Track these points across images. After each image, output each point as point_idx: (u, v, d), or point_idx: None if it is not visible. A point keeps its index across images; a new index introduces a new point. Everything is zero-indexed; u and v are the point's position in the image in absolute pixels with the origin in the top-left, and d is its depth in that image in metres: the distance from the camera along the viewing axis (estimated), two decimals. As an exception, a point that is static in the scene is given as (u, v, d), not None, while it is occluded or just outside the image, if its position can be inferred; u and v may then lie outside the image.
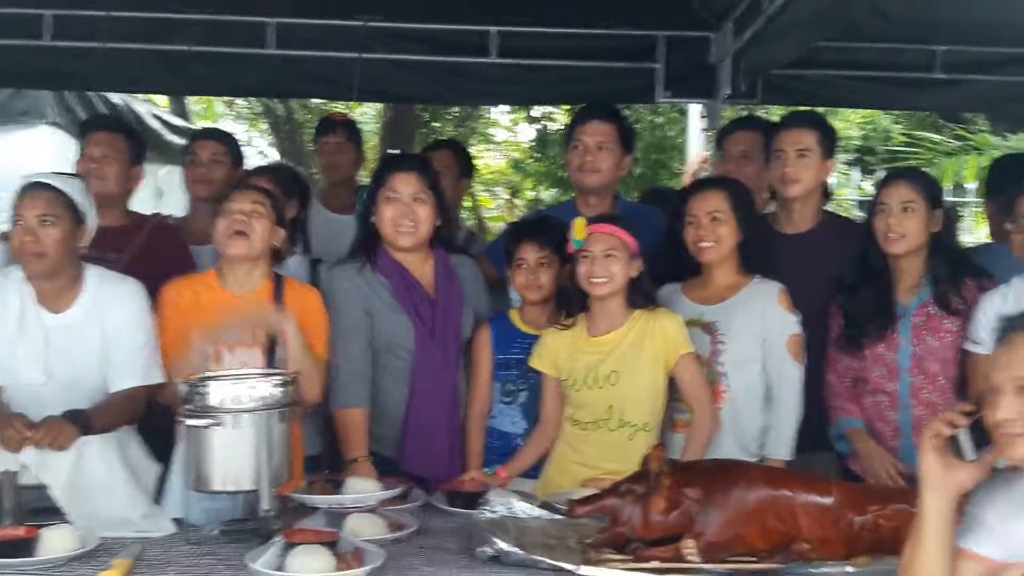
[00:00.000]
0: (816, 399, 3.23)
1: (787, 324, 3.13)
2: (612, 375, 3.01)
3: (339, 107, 12.51)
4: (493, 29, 4.85)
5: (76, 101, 6.19)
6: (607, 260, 2.98)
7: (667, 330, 3.02)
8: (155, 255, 3.37)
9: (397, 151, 7.10)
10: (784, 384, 3.13)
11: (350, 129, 4.65)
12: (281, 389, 2.54)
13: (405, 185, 3.19)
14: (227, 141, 4.14)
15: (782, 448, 3.12)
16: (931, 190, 3.18)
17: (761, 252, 3.20)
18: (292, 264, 3.34)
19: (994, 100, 5.50)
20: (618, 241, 3.00)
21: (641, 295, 3.05)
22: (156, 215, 3.93)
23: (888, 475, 3.10)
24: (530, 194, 12.93)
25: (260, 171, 3.78)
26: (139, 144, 3.77)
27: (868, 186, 8.90)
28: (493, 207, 13.50)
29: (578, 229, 3.03)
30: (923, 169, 4.79)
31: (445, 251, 3.32)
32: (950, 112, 9.25)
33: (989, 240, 4.01)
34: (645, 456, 2.39)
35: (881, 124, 10.96)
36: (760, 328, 3.12)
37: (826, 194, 3.72)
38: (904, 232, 3.10)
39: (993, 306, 2.94)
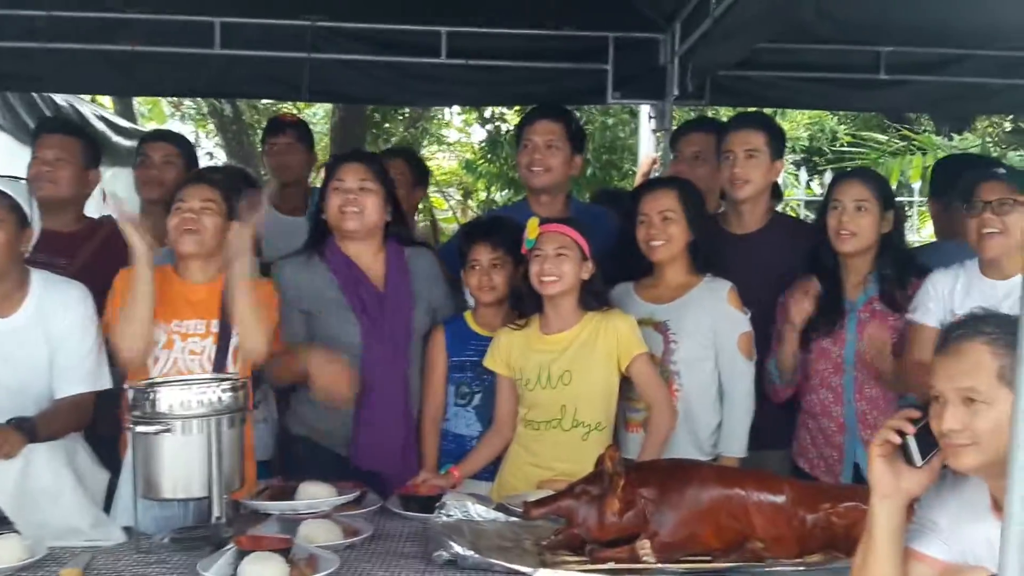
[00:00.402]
0: (765, 399, 3.26)
1: (737, 322, 3.16)
2: (565, 375, 3.01)
3: (288, 108, 12.51)
4: (443, 29, 4.83)
5: (19, 103, 6.06)
6: (558, 259, 2.99)
7: (620, 330, 3.03)
8: (108, 261, 3.31)
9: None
10: (736, 381, 3.16)
11: (300, 130, 4.61)
12: (231, 394, 2.51)
13: (350, 174, 3.19)
14: (179, 143, 4.10)
15: (735, 445, 3.15)
16: (884, 191, 3.23)
17: (712, 251, 3.23)
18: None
19: (937, 100, 5.61)
20: (570, 240, 3.01)
21: (593, 297, 3.06)
22: (109, 218, 3.86)
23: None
24: (483, 195, 12.92)
25: (210, 171, 3.73)
26: (94, 148, 3.71)
27: (816, 186, 9.00)
28: (446, 208, 13.48)
29: (531, 229, 3.05)
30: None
31: (400, 245, 3.30)
32: (895, 112, 9.42)
33: (933, 239, 4.08)
34: (600, 456, 2.39)
35: (827, 125, 11.10)
36: (711, 326, 3.15)
37: (776, 195, 3.76)
38: (856, 230, 3.13)
39: (944, 283, 2.99)
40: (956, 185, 3.23)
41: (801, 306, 3.14)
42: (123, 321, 2.79)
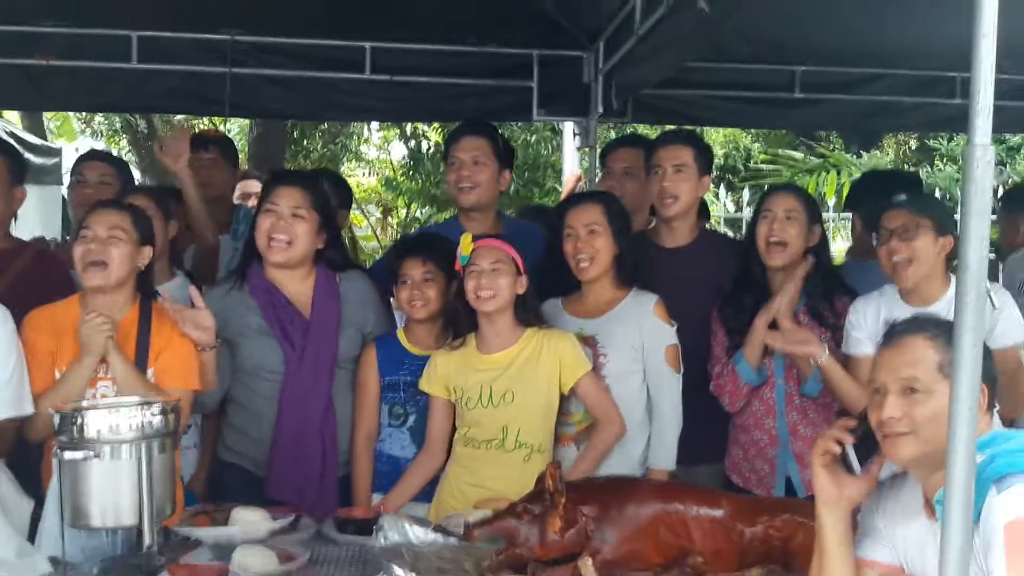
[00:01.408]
0: (699, 411, 3.29)
1: (664, 334, 3.18)
2: (508, 393, 3.00)
3: (204, 123, 12.30)
4: (367, 45, 4.82)
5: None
6: (493, 274, 2.98)
7: (563, 352, 3.02)
8: (35, 281, 3.21)
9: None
10: (664, 393, 3.18)
11: (224, 145, 4.54)
12: (161, 418, 2.44)
13: (285, 199, 3.14)
14: (115, 163, 4.06)
15: (665, 457, 3.17)
16: (811, 205, 3.29)
17: (639, 265, 3.25)
18: (174, 286, 3.23)
19: (850, 118, 5.79)
20: (504, 255, 3.01)
21: (529, 311, 3.06)
22: (39, 239, 3.76)
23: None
24: (403, 212, 12.87)
25: (137, 190, 3.65)
26: (20, 164, 3.59)
27: (731, 204, 9.16)
28: (365, 226, 13.38)
29: (465, 245, 3.03)
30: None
31: (331, 270, 3.26)
32: (809, 130, 9.66)
33: (842, 253, 4.19)
34: (541, 474, 2.38)
35: (742, 143, 11.32)
36: (639, 339, 3.16)
37: (704, 215, 3.82)
38: (786, 239, 3.18)
39: (868, 310, 3.05)
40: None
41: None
42: (56, 393, 2.73)
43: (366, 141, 14.13)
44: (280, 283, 3.19)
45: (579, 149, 5.27)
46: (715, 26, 3.30)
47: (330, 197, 3.44)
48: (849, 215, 8.65)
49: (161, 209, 3.39)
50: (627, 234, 3.24)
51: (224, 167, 4.44)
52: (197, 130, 5.47)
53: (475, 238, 3.07)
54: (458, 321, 3.10)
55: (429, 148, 11.13)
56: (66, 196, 4.07)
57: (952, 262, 2.99)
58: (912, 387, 1.93)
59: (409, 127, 11.38)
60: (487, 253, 3.01)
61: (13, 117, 9.20)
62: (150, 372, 2.86)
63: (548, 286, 3.25)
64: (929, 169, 10.20)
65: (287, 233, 3.12)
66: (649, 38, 3.98)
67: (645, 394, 3.19)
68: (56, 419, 2.40)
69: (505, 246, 3.03)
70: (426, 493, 3.12)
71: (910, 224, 2.93)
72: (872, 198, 3.84)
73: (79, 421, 2.36)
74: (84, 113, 10.90)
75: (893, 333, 2.03)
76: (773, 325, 3.16)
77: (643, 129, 9.66)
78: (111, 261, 2.82)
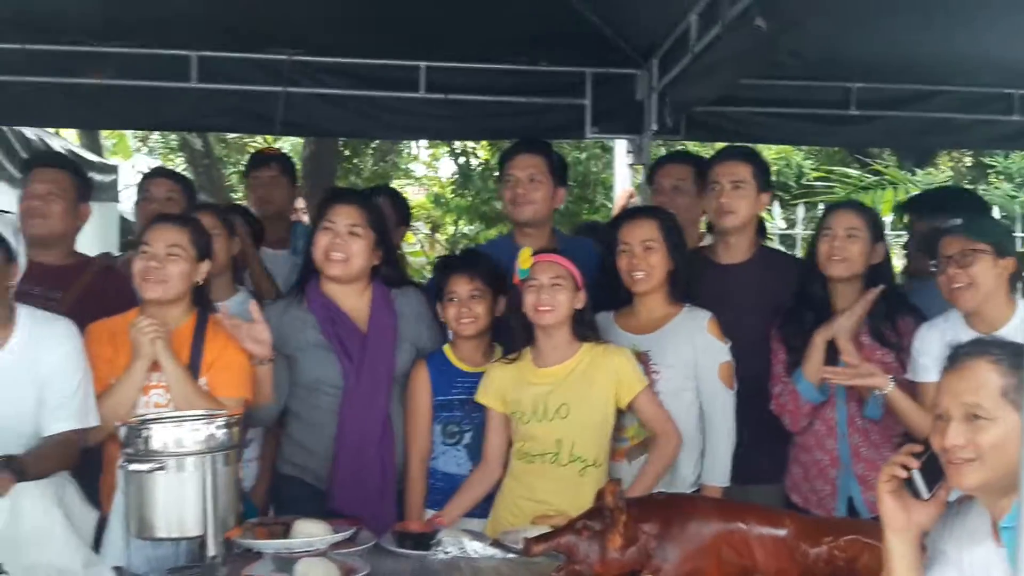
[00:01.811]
0: (757, 430, 3.27)
1: (718, 352, 3.17)
2: (562, 407, 3.00)
3: (258, 141, 12.48)
4: (422, 64, 4.86)
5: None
6: (553, 289, 2.99)
7: (620, 367, 3.02)
8: (100, 297, 3.28)
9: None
10: (717, 410, 3.17)
11: (284, 163, 4.61)
12: (225, 431, 2.47)
13: (342, 216, 3.18)
14: (181, 180, 4.15)
15: (718, 474, 3.15)
16: (875, 222, 3.25)
17: (692, 281, 3.24)
18: (235, 303, 3.28)
19: (904, 135, 5.74)
20: (564, 271, 3.02)
21: (586, 326, 3.06)
22: (104, 255, 3.84)
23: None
24: (451, 229, 12.92)
25: (202, 207, 3.71)
26: (85, 182, 3.69)
27: (781, 221, 9.08)
28: (413, 242, 13.44)
29: (524, 259, 3.04)
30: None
31: (386, 286, 3.29)
32: (863, 147, 9.55)
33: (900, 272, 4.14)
34: (600, 491, 2.38)
35: (793, 160, 11.22)
36: (692, 356, 3.15)
37: (762, 232, 3.79)
38: (846, 256, 3.15)
39: (932, 336, 3.00)
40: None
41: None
42: (110, 398, 2.80)
43: (415, 158, 14.22)
44: (337, 298, 3.22)
45: (631, 166, 5.27)
46: (773, 44, 3.29)
47: (385, 215, 3.47)
48: (904, 234, 8.58)
49: (225, 226, 3.45)
50: (682, 250, 3.24)
51: (284, 184, 4.51)
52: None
53: (535, 252, 3.08)
54: (512, 335, 3.11)
55: (478, 165, 11.16)
56: (122, 212, 4.16)
57: (1016, 283, 2.95)
58: (975, 413, 1.91)
59: (458, 144, 11.43)
60: (547, 268, 3.01)
61: (70, 135, 9.39)
62: (202, 381, 2.90)
63: (600, 300, 3.25)
64: (985, 186, 10.05)
65: (343, 250, 3.16)
66: (705, 56, 3.98)
67: (696, 411, 3.18)
68: (122, 432, 2.44)
69: (565, 261, 3.04)
70: (480, 509, 3.12)
71: (967, 249, 2.89)
72: (927, 217, 3.80)
73: (145, 434, 2.40)
74: (141, 131, 11.10)
75: (956, 356, 2.01)
76: (832, 343, 3.13)
77: (694, 147, 9.67)
78: (169, 279, 2.90)
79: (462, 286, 3.22)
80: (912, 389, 3.03)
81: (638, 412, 3.06)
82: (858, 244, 3.16)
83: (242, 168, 13.06)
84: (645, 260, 3.16)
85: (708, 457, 3.17)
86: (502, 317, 3.26)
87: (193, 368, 2.91)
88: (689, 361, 3.16)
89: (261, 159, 4.59)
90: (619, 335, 3.21)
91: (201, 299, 3.04)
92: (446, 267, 3.35)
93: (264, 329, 2.99)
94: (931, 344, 2.96)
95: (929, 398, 2.81)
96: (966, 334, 2.82)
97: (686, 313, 3.21)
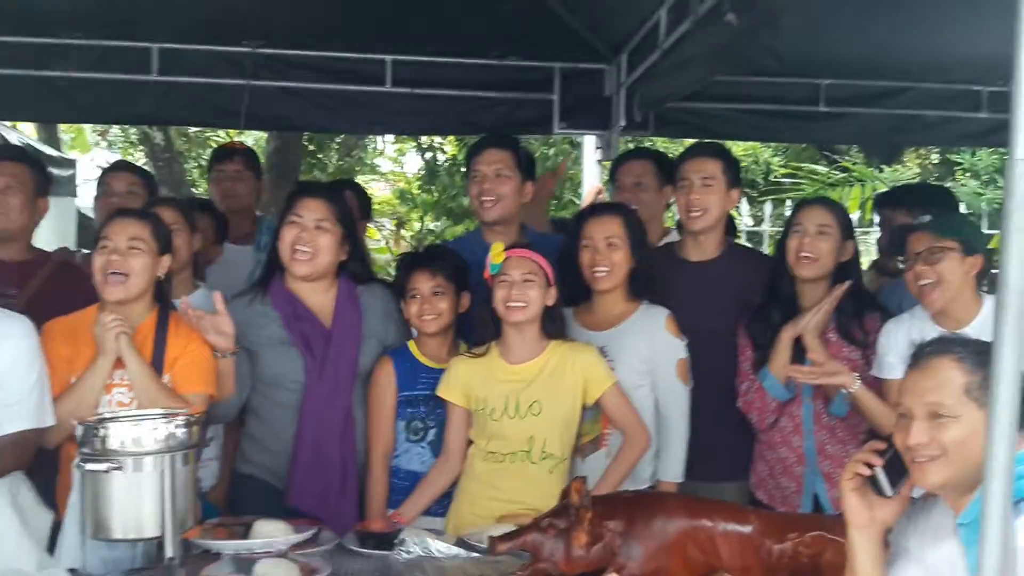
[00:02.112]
0: (724, 428, 3.29)
1: (675, 348, 3.20)
2: (535, 404, 3.00)
3: (221, 136, 12.38)
4: (388, 58, 4.85)
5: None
6: (525, 285, 2.99)
7: (588, 365, 3.03)
8: (57, 293, 3.24)
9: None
10: (673, 406, 3.20)
11: (249, 157, 4.58)
12: (184, 430, 2.44)
13: (309, 211, 3.16)
14: (142, 174, 4.09)
15: (673, 469, 3.18)
16: (844, 220, 3.27)
17: (652, 279, 3.25)
18: (195, 299, 3.25)
19: (874, 132, 5.75)
20: (536, 266, 3.02)
21: (556, 324, 3.07)
22: (62, 250, 3.79)
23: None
24: (416, 225, 12.89)
25: (163, 201, 3.67)
26: (44, 175, 3.62)
27: (749, 218, 9.15)
28: (378, 239, 13.40)
29: (496, 254, 3.03)
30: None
31: (352, 282, 3.27)
32: (833, 144, 9.64)
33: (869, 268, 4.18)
34: (565, 489, 2.38)
35: (761, 156, 11.30)
36: (649, 352, 3.18)
37: (731, 231, 3.81)
38: (817, 255, 3.16)
39: (898, 332, 3.03)
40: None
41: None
42: (71, 397, 2.76)
43: (380, 153, 14.18)
44: (302, 294, 3.21)
45: (600, 162, 5.28)
46: (746, 41, 3.29)
47: (352, 209, 3.46)
48: (871, 230, 8.66)
49: (187, 221, 3.42)
50: (643, 248, 3.26)
51: (248, 179, 4.48)
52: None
53: (507, 247, 3.07)
54: (481, 329, 3.10)
55: (445, 160, 11.15)
56: (80, 207, 4.10)
57: (983, 281, 2.98)
58: (938, 412, 1.93)
59: (425, 139, 11.41)
60: (519, 263, 3.01)
61: (27, 128, 9.28)
62: (166, 378, 2.88)
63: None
64: (952, 183, 10.16)
65: (311, 245, 3.14)
66: (674, 52, 3.99)
67: (652, 408, 3.20)
68: (79, 430, 2.40)
69: (537, 257, 3.04)
70: (439, 506, 3.12)
71: (935, 247, 2.91)
72: (899, 212, 3.83)
73: (102, 432, 2.36)
74: (100, 125, 10.98)
75: (919, 355, 2.03)
76: (799, 341, 3.15)
77: (663, 143, 9.69)
78: (131, 273, 2.86)
79: (424, 282, 3.22)
80: (877, 386, 3.06)
81: (607, 409, 3.07)
82: (828, 241, 3.18)
83: (204, 163, 13.04)
84: (608, 257, 3.17)
85: (663, 453, 3.20)
86: (466, 313, 3.26)
87: (156, 365, 2.88)
88: (646, 357, 3.18)
89: (225, 153, 4.55)
90: (577, 331, 3.22)
91: (163, 295, 3.01)
92: (409, 264, 3.34)
93: (227, 321, 2.97)
94: (897, 341, 2.99)
95: (894, 395, 2.81)
96: (932, 331, 2.84)
97: (644, 310, 3.23)
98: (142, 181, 3.98)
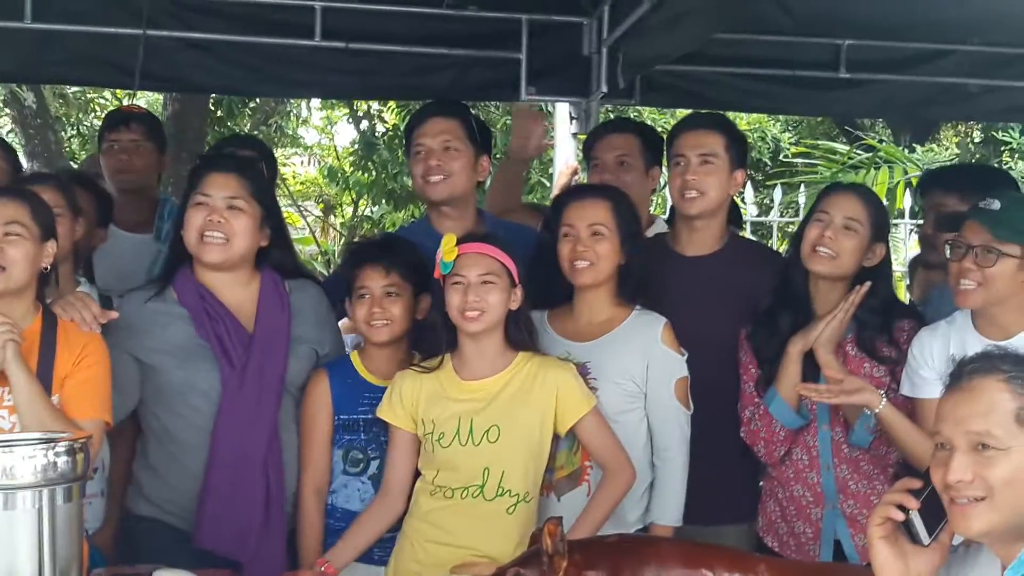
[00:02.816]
0: (725, 459, 3.34)
1: (674, 365, 3.22)
2: (492, 430, 3.00)
3: (105, 97, 12.25)
4: (318, 4, 4.82)
5: None
6: (483, 288, 2.99)
7: (562, 384, 3.04)
8: None
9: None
10: (672, 435, 3.22)
11: (149, 124, 4.57)
12: (67, 458, 2.43)
13: (219, 188, 3.17)
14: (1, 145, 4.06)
15: (671, 511, 3.21)
16: (880, 218, 3.28)
17: (651, 276, 3.28)
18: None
19: (903, 104, 5.82)
20: (497, 265, 3.02)
21: (522, 331, 3.08)
22: None
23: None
24: (349, 211, 12.87)
25: (41, 179, 3.64)
26: None
27: (754, 207, 9.22)
28: (301, 226, 13.37)
29: (447, 249, 3.02)
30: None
31: (279, 276, 3.27)
32: (855, 117, 9.72)
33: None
34: (536, 532, 2.40)
35: (769, 132, 11.41)
36: (642, 370, 3.20)
37: (736, 220, 3.83)
38: (837, 251, 3.18)
39: (934, 342, 3.06)
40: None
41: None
42: None
43: (305, 122, 14.15)
44: (215, 288, 3.21)
45: (575, 135, 5.32)
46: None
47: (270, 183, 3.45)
48: (900, 222, 8.77)
49: (69, 204, 3.40)
50: (636, 241, 3.29)
51: (148, 151, 4.47)
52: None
53: (460, 240, 3.05)
54: (432, 340, 3.11)
55: (385, 132, 11.13)
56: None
57: None
58: (984, 443, 1.95)
59: (361, 106, 11.38)
60: (476, 261, 3.01)
61: None
62: (55, 399, 2.86)
63: (531, 295, 3.26)
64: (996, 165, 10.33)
65: (223, 230, 3.14)
66: (666, 4, 4.02)
67: (644, 437, 3.22)
68: (-63, 459, 2.39)
69: (497, 251, 3.04)
70: (379, 552, 3.13)
71: (992, 246, 2.91)
72: (952, 198, 3.82)
73: (-36, 462, 2.36)
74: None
75: (960, 374, 2.04)
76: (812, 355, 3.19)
77: (649, 114, 9.74)
78: (10, 264, 2.84)
79: (376, 280, 3.22)
80: (909, 407, 3.09)
81: (583, 440, 3.10)
82: (854, 239, 3.19)
83: (84, 131, 12.92)
84: (592, 248, 3.19)
85: (659, 492, 3.22)
86: (423, 320, 3.26)
87: (43, 381, 2.85)
88: (639, 376, 3.20)
89: (119, 118, 4.53)
90: (552, 340, 3.24)
91: (44, 295, 3.00)
92: (358, 256, 3.36)
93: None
94: (932, 353, 3.03)
95: (929, 419, 2.84)
96: (974, 341, 2.89)
97: (636, 317, 3.25)
98: (2, 152, 3.95)
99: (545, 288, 3.26)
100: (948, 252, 3.03)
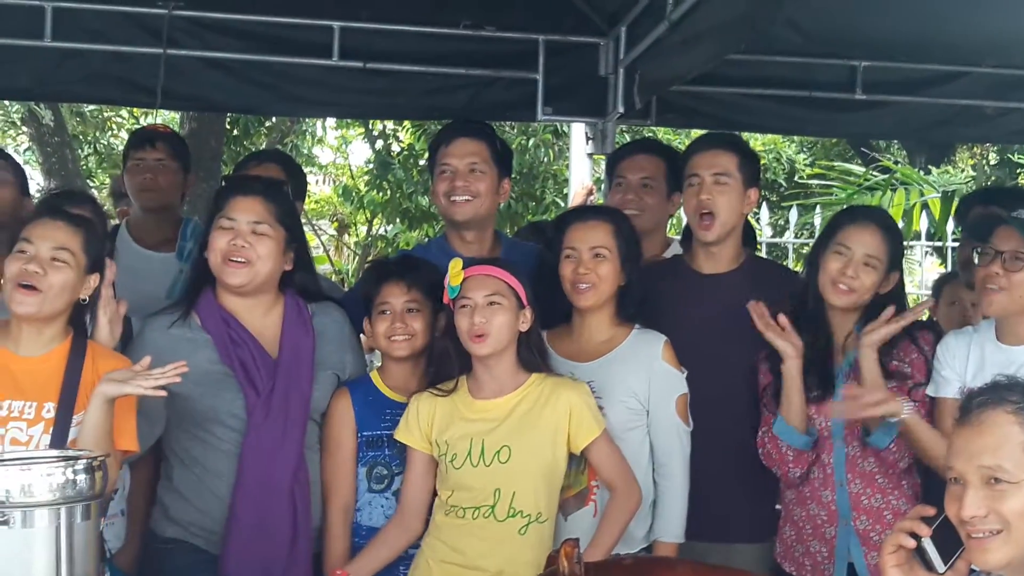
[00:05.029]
0: (740, 479, 3.34)
1: (675, 383, 3.25)
2: (503, 450, 3.01)
3: (122, 116, 12.32)
4: (336, 24, 4.85)
5: None
6: (490, 310, 3.01)
7: (574, 405, 3.04)
8: None
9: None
10: (675, 451, 3.24)
11: (175, 143, 4.58)
12: (86, 476, 2.44)
13: (244, 212, 3.17)
14: (10, 160, 4.11)
15: (674, 527, 3.22)
16: (896, 248, 3.30)
17: (645, 299, 3.30)
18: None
19: (920, 125, 5.82)
20: (503, 286, 3.04)
21: (534, 353, 3.09)
22: None
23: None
24: (363, 230, 12.89)
25: (79, 200, 3.64)
26: None
27: (768, 228, 9.21)
28: (316, 245, 13.40)
29: (453, 274, 3.05)
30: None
31: (303, 299, 3.28)
32: (871, 139, 9.71)
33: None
34: (552, 554, 2.39)
35: (784, 153, 11.41)
36: (644, 388, 3.23)
37: (750, 242, 3.83)
38: (858, 288, 3.19)
39: (959, 345, 3.11)
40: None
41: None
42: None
43: (320, 141, 14.19)
44: (239, 314, 3.21)
45: (591, 156, 5.32)
46: (767, 12, 3.34)
47: (296, 206, 3.46)
48: (916, 244, 8.74)
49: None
50: (637, 263, 3.32)
51: (173, 170, 4.46)
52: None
53: (466, 263, 3.08)
54: (447, 363, 3.11)
55: (400, 151, 11.15)
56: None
57: None
58: (996, 477, 1.96)
59: (376, 125, 11.41)
60: (482, 283, 3.03)
61: None
62: (75, 419, 2.86)
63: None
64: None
65: (247, 255, 3.14)
66: (683, 25, 4.03)
67: (647, 454, 3.24)
68: (-44, 477, 2.40)
69: (504, 273, 3.06)
70: (404, 568, 3.13)
71: (1021, 252, 2.96)
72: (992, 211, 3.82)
73: (-17, 479, 2.36)
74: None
75: (969, 408, 2.05)
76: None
77: (664, 134, 9.74)
78: (47, 289, 2.86)
79: (397, 297, 3.24)
80: (930, 408, 3.14)
81: (594, 462, 3.11)
82: (874, 275, 3.21)
83: (101, 149, 12.96)
84: (594, 271, 3.22)
85: (661, 508, 3.24)
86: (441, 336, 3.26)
87: (65, 404, 2.87)
88: (641, 394, 3.23)
89: (145, 137, 4.55)
90: (554, 361, 3.24)
91: (81, 320, 3.01)
92: (379, 274, 3.37)
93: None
94: (955, 355, 3.09)
95: (948, 419, 2.86)
96: (992, 348, 2.95)
97: (637, 336, 3.27)
98: (12, 168, 3.99)
99: (546, 306, 3.26)
100: (976, 258, 3.06)
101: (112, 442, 2.82)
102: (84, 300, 2.97)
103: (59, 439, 2.84)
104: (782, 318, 3.20)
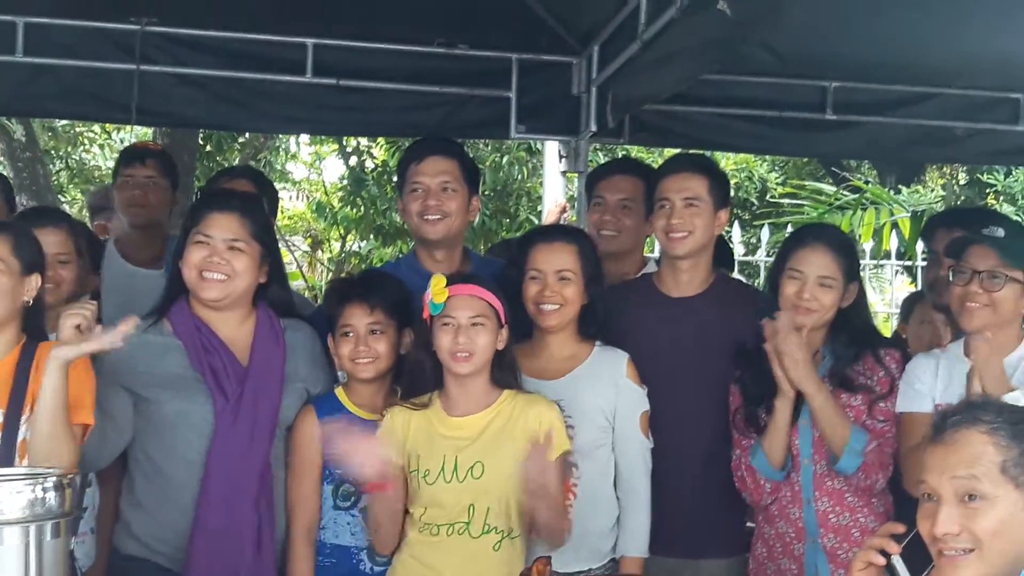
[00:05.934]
0: (710, 496, 3.36)
1: (638, 399, 3.28)
2: (476, 466, 3.01)
3: (93, 131, 12.27)
4: (310, 41, 4.86)
5: None
6: (474, 330, 3.00)
7: (545, 422, 3.02)
8: None
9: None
10: (639, 467, 3.27)
11: (163, 161, 4.57)
12: (55, 493, 2.43)
13: (220, 229, 3.16)
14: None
15: (639, 541, 3.25)
16: (850, 261, 3.32)
17: (607, 318, 3.32)
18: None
19: (890, 146, 5.87)
20: (485, 307, 3.04)
21: (507, 371, 3.10)
22: None
23: None
24: (337, 246, 12.87)
25: (54, 219, 3.61)
26: None
27: (740, 246, 9.25)
28: (289, 261, 13.36)
29: (437, 290, 3.03)
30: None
31: (274, 313, 3.28)
32: (842, 158, 9.79)
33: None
34: (525, 570, 2.40)
35: (756, 172, 11.47)
36: (611, 405, 3.25)
37: (726, 262, 3.84)
38: (817, 308, 3.22)
39: (927, 364, 3.16)
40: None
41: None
42: None
43: (294, 157, 14.17)
44: (211, 323, 3.20)
45: (564, 174, 5.34)
46: (741, 34, 3.36)
47: (270, 220, 3.46)
48: (887, 263, 8.79)
49: (77, 248, 3.45)
50: (600, 282, 3.34)
51: (162, 187, 4.47)
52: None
53: (449, 281, 3.07)
54: (420, 377, 3.11)
55: (374, 168, 11.15)
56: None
57: None
58: (970, 494, 1.97)
59: (350, 142, 11.40)
60: (467, 304, 3.03)
61: None
62: (23, 430, 2.84)
63: None
64: (982, 208, 10.40)
65: (223, 270, 3.14)
66: (656, 44, 4.06)
67: (612, 471, 3.26)
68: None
69: (488, 294, 3.06)
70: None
71: (999, 271, 3.01)
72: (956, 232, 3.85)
73: (-53, 496, 2.35)
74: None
75: (943, 427, 2.06)
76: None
77: (637, 152, 9.78)
78: (1, 295, 2.85)
79: (360, 318, 3.23)
80: (899, 425, 3.17)
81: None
82: (831, 294, 3.24)
83: (72, 164, 12.89)
84: (559, 292, 3.24)
85: (626, 522, 3.26)
86: (406, 354, 3.26)
87: (14, 407, 2.85)
88: (608, 411, 3.25)
89: (136, 154, 4.55)
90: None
91: (35, 326, 3.00)
92: (341, 294, 3.35)
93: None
94: (925, 371, 3.13)
95: (919, 432, 2.89)
96: (961, 367, 2.97)
97: (599, 353, 3.30)
98: None
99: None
100: (952, 276, 3.09)
101: (68, 417, 2.79)
102: (28, 302, 2.94)
103: (8, 441, 2.82)
104: None
